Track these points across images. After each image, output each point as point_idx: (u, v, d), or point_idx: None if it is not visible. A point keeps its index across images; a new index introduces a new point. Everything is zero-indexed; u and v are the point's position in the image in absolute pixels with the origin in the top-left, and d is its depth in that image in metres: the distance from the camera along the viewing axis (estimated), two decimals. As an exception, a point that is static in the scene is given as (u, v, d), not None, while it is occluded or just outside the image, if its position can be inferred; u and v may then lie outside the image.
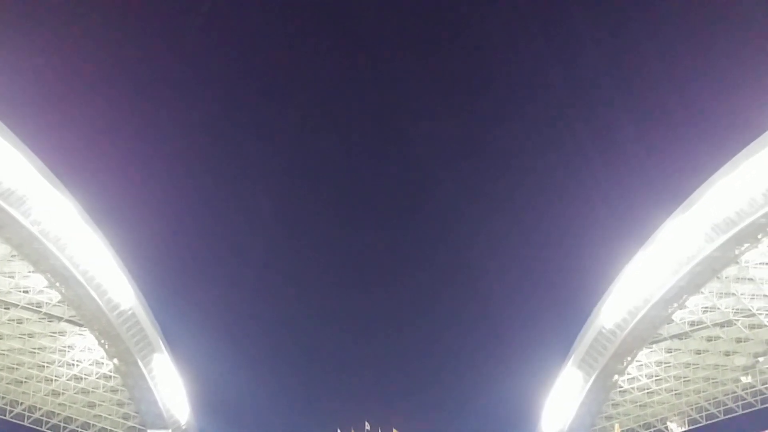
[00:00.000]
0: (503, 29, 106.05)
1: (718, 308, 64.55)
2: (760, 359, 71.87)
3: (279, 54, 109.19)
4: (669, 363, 73.59)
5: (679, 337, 69.53)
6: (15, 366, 72.37)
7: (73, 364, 72.93)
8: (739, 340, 69.37)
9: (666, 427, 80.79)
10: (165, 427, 77.13)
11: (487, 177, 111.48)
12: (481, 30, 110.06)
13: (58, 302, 63.85)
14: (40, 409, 76.84)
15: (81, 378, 74.22)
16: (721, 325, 66.78)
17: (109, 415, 79.00)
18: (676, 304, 62.98)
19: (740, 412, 76.71)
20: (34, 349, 70.45)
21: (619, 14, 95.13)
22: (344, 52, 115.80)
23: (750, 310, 63.37)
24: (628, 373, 74.18)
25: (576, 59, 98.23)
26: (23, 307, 63.99)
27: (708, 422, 78.55)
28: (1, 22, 68.32)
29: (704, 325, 66.91)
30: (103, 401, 77.46)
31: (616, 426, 59.24)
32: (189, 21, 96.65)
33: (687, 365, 73.62)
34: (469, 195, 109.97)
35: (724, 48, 79.13)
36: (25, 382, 74.35)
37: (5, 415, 75.81)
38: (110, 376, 74.11)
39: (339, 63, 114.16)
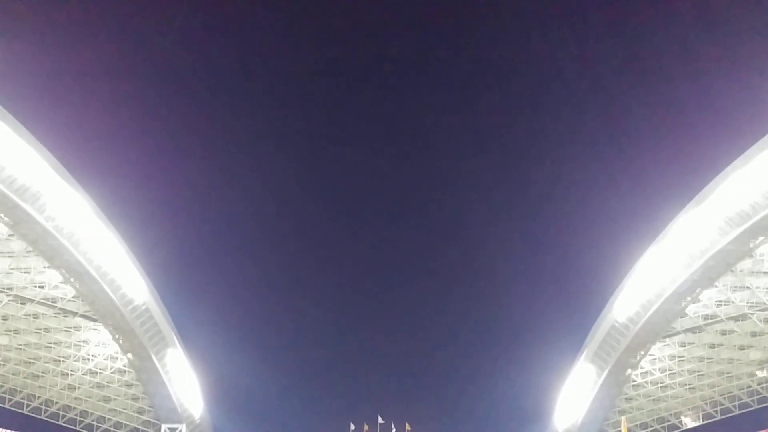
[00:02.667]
0: (515, 24, 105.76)
1: (733, 302, 63.98)
2: (776, 353, 71.36)
3: (290, 54, 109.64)
4: (683, 357, 73.17)
5: (692, 330, 68.97)
6: (32, 360, 73.18)
7: (88, 359, 73.60)
8: (754, 334, 68.81)
9: (680, 422, 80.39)
10: (179, 422, 77.82)
11: (499, 173, 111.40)
12: (491, 26, 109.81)
13: (73, 297, 64.31)
14: (56, 402, 77.72)
15: (96, 372, 74.94)
16: (736, 318, 66.18)
17: (124, 409, 79.80)
18: (689, 298, 62.55)
19: (756, 406, 76.13)
20: (50, 343, 71.16)
21: (631, 6, 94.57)
22: (353, 51, 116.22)
23: (765, 303, 62.70)
24: (642, 367, 73.85)
25: (588, 53, 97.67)
26: (39, 303, 64.51)
27: (723, 417, 78.04)
28: (15, 21, 68.84)
29: (718, 318, 66.35)
30: (118, 395, 78.18)
31: (623, 420, 58.92)
32: (203, 22, 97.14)
33: (701, 359, 73.14)
34: (481, 191, 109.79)
35: (736, 40, 78.39)
36: (42, 376, 75.23)
37: (23, 409, 76.80)
38: (125, 371, 74.75)
39: (349, 62, 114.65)
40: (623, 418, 65.93)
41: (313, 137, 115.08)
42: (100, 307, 64.12)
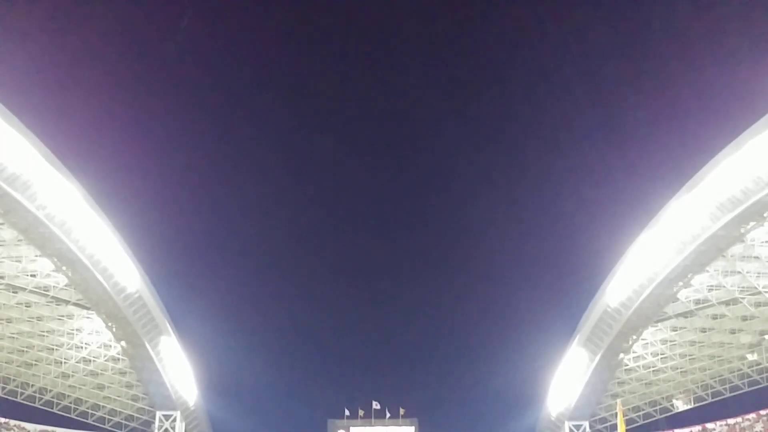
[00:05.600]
0: (506, 20, 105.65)
1: (724, 286, 64.31)
2: (766, 337, 71.80)
3: (287, 51, 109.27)
4: (674, 341, 73.65)
5: (684, 315, 69.42)
6: (25, 349, 73.06)
7: (82, 347, 73.55)
8: (744, 318, 69.24)
9: (672, 405, 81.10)
10: (174, 409, 77.94)
11: (493, 161, 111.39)
12: (485, 24, 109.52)
13: (65, 286, 64.19)
14: (50, 390, 77.78)
15: (90, 360, 74.91)
16: (727, 303, 66.57)
17: (119, 396, 79.88)
18: (681, 283, 62.83)
19: (746, 389, 77.00)
20: (43, 332, 71.08)
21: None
22: (350, 50, 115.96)
23: (756, 288, 63.05)
24: (634, 352, 74.33)
25: (579, 42, 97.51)
26: (31, 291, 64.33)
27: (714, 400, 78.84)
28: (6, 13, 68.28)
29: (710, 303, 66.71)
30: (112, 383, 78.24)
31: (618, 403, 59.49)
32: (198, 16, 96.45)
33: (692, 343, 73.63)
34: (474, 180, 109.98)
35: (728, 26, 78.32)
36: (35, 364, 75.19)
37: (17, 397, 76.91)
38: (118, 359, 74.74)
39: (346, 62, 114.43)
40: (618, 401, 66.46)
41: (308, 127, 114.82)
42: (93, 295, 63.99)
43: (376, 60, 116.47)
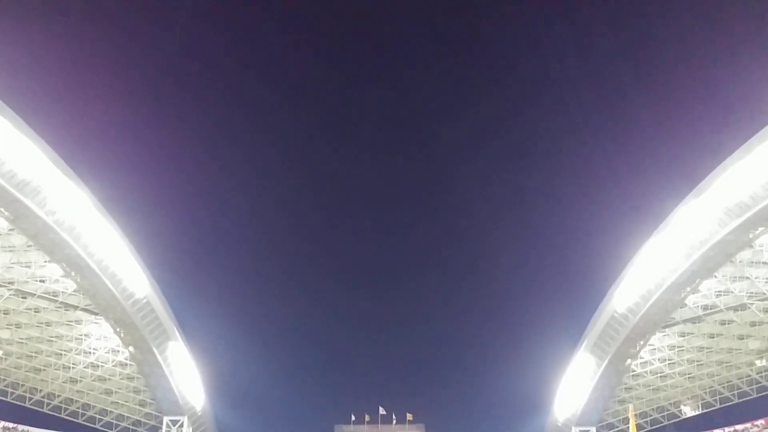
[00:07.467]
0: (513, 17, 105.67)
1: (732, 292, 64.14)
2: (775, 343, 71.59)
3: (292, 50, 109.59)
4: (682, 347, 73.41)
5: (692, 321, 69.22)
6: (33, 354, 73.38)
7: (90, 352, 73.79)
8: (753, 324, 69.03)
9: (679, 411, 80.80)
10: (181, 414, 78.11)
11: (501, 166, 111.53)
12: (491, 25, 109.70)
13: (74, 291, 64.44)
14: (58, 396, 78.04)
15: (98, 366, 75.16)
16: (735, 308, 66.40)
17: (126, 401, 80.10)
18: (689, 288, 62.70)
19: (754, 395, 76.64)
20: (52, 337, 71.32)
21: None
22: (354, 51, 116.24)
23: (764, 293, 62.87)
24: (641, 357, 74.15)
25: (587, 46, 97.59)
26: (40, 296, 64.66)
27: (722, 406, 78.50)
28: (15, 17, 68.67)
29: (718, 308, 66.55)
30: (120, 388, 78.46)
31: (630, 408, 59.21)
32: (203, 19, 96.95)
33: (700, 349, 73.40)
34: (482, 184, 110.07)
35: (738, 31, 78.27)
36: (44, 369, 75.42)
37: (25, 402, 77.13)
38: (126, 364, 74.96)
39: (349, 60, 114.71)
40: (631, 405, 66.10)
41: (313, 132, 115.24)
42: (101, 301, 64.23)
43: (380, 62, 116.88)
